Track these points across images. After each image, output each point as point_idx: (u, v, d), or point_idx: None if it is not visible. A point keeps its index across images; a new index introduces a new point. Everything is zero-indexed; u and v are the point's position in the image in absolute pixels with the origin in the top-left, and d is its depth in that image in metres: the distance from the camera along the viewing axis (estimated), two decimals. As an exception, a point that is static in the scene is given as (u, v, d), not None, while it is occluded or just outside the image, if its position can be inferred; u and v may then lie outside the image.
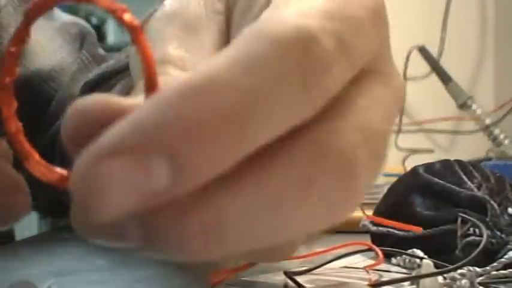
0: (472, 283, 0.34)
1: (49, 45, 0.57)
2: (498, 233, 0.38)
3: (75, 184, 0.17)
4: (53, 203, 0.59)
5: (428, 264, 0.34)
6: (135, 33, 0.19)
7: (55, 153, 0.54)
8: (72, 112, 0.19)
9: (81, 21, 0.61)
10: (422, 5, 1.24)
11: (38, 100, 0.55)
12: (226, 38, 0.26)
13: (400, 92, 0.23)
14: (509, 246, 0.37)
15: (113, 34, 1.94)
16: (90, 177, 0.16)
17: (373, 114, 0.20)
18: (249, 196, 0.18)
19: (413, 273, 0.35)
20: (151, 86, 0.19)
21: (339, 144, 0.19)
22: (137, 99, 0.19)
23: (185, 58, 0.24)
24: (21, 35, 0.20)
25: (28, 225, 0.74)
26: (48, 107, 0.55)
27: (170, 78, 0.22)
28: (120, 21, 0.19)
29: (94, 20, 1.80)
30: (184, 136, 0.16)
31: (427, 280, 0.32)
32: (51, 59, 0.56)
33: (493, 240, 0.38)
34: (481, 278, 0.34)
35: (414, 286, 0.33)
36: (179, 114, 0.16)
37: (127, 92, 0.52)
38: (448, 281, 0.34)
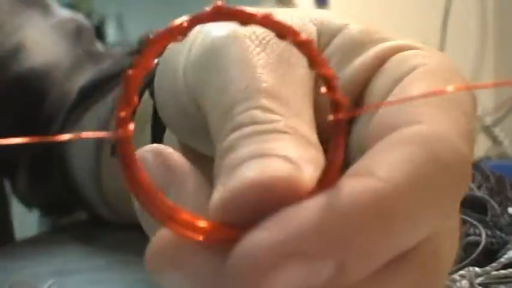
0: (471, 284, 0.34)
1: (44, 42, 0.56)
2: (498, 232, 0.38)
3: (238, 270, 0.17)
4: (54, 202, 0.59)
5: None
6: (336, 129, 0.18)
7: (52, 157, 0.54)
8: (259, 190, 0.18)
9: (79, 17, 0.61)
10: (422, 5, 1.24)
11: (32, 97, 0.55)
12: (312, 75, 0.24)
13: None
14: (509, 246, 0.37)
15: (113, 34, 1.94)
16: (260, 272, 0.17)
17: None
18: None
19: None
20: (328, 179, 0.18)
21: (441, 264, 0.21)
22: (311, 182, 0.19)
23: (278, 89, 0.22)
24: (144, 64, 0.18)
25: (28, 225, 0.74)
26: (42, 104, 0.55)
27: (259, 115, 0.21)
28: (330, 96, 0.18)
29: (94, 20, 1.80)
30: (354, 243, 0.17)
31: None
32: (46, 56, 0.56)
33: (493, 240, 0.38)
34: (480, 278, 0.34)
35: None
36: (359, 224, 0.17)
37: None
38: (447, 282, 0.34)
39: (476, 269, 0.34)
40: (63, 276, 0.39)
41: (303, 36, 0.18)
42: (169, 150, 0.21)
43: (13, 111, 0.55)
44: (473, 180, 0.44)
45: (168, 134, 0.31)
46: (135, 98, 0.18)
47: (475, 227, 0.38)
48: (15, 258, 0.46)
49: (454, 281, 0.34)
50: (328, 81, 0.18)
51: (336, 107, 0.18)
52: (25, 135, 0.18)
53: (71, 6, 1.62)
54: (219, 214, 0.18)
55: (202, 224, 0.18)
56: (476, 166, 0.46)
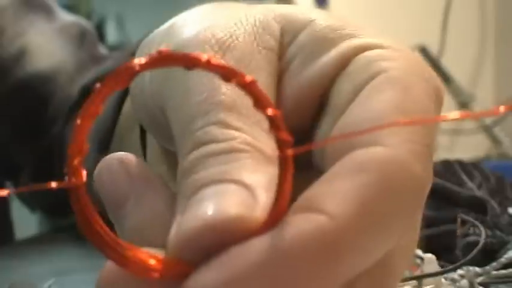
0: (471, 283, 0.34)
1: (48, 47, 0.57)
2: (498, 232, 0.38)
3: None
4: (54, 203, 0.59)
5: (430, 258, 0.34)
6: (284, 165, 0.18)
7: (54, 157, 0.54)
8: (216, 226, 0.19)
9: (82, 21, 0.61)
10: (422, 5, 1.24)
11: (36, 101, 0.55)
12: (275, 79, 0.24)
13: None
14: (509, 246, 0.37)
15: (113, 34, 1.94)
16: None
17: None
18: None
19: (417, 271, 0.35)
20: (276, 217, 0.19)
21: (391, 279, 0.21)
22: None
23: (237, 99, 0.22)
24: (93, 111, 0.18)
25: (28, 225, 0.74)
26: (46, 107, 0.55)
27: (217, 132, 0.21)
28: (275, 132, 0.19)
29: (94, 20, 1.80)
30: (297, 283, 0.18)
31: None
32: (50, 61, 0.56)
33: (493, 240, 0.38)
34: (480, 278, 0.34)
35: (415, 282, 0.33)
36: (302, 265, 0.18)
37: (124, 95, 0.52)
38: (448, 281, 0.34)
39: (476, 268, 0.34)
40: (63, 276, 0.39)
41: (248, 78, 0.18)
42: (132, 159, 0.22)
43: (17, 114, 0.55)
44: (473, 180, 0.44)
45: (148, 135, 0.31)
46: (85, 146, 0.18)
47: (475, 227, 0.38)
48: (16, 258, 0.46)
49: (455, 280, 0.34)
50: (272, 121, 0.18)
51: (281, 144, 0.18)
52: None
53: (71, 6, 1.62)
54: (174, 252, 0.19)
55: (154, 262, 0.19)
56: (476, 166, 0.46)
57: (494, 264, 0.35)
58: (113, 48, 0.65)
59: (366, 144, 0.20)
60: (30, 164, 0.55)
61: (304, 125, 0.24)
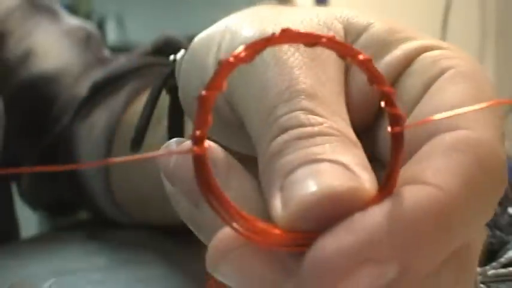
0: (475, 282, 0.34)
1: (55, 49, 0.57)
2: (498, 232, 0.39)
3: (314, 271, 0.18)
4: (58, 203, 0.59)
5: None
6: (395, 141, 0.19)
7: (57, 155, 0.54)
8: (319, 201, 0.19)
9: (88, 25, 0.62)
10: (422, 5, 1.24)
11: (42, 101, 0.56)
12: (343, 75, 0.25)
13: None
14: (509, 246, 0.37)
15: (113, 34, 1.94)
16: (335, 275, 0.18)
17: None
18: None
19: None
20: (386, 192, 0.19)
21: (474, 259, 0.22)
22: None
23: (316, 89, 0.22)
24: (218, 84, 0.19)
25: (28, 225, 0.74)
26: (51, 107, 0.56)
27: (302, 117, 0.21)
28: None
29: (94, 20, 1.80)
30: (419, 248, 0.19)
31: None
32: (56, 62, 0.57)
33: (493, 240, 0.38)
34: (480, 278, 0.34)
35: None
36: (422, 231, 0.18)
37: (135, 93, 0.52)
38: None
39: (476, 268, 0.34)
40: (63, 275, 0.40)
41: (363, 55, 0.19)
42: (213, 145, 0.22)
43: (23, 114, 0.56)
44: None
45: (189, 126, 0.32)
46: (209, 118, 0.19)
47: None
48: (16, 257, 0.46)
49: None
50: (387, 97, 0.19)
51: (394, 120, 0.19)
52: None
53: (71, 6, 1.62)
54: (287, 225, 0.19)
55: (275, 230, 0.19)
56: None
57: (494, 264, 0.35)
58: (113, 48, 0.65)
59: (450, 129, 0.21)
60: (32, 162, 0.56)
61: (367, 124, 0.25)
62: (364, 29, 0.26)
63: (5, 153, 0.52)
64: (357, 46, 0.25)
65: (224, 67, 0.19)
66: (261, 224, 0.19)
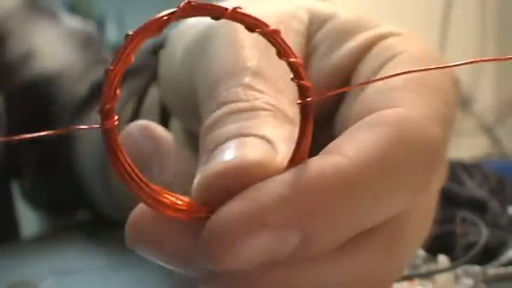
0: (476, 282, 0.34)
1: (55, 49, 0.58)
2: (498, 232, 0.39)
3: (211, 236, 0.19)
4: (58, 202, 0.59)
5: (444, 259, 0.35)
6: (304, 112, 0.20)
7: (59, 155, 0.54)
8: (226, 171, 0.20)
9: (88, 25, 0.62)
10: (422, 5, 1.24)
11: (42, 102, 0.56)
12: (305, 58, 0.26)
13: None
14: (509, 246, 0.37)
15: (113, 34, 1.94)
16: (230, 239, 0.18)
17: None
18: (344, 270, 0.20)
19: (423, 270, 0.35)
20: (299, 158, 0.20)
21: (406, 243, 0.22)
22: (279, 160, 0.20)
23: (263, 67, 0.23)
24: (124, 58, 0.19)
25: (28, 225, 0.74)
26: (51, 108, 0.56)
27: (241, 93, 0.22)
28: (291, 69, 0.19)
29: (94, 20, 1.80)
30: (318, 216, 0.19)
31: (443, 276, 0.33)
32: (56, 63, 0.57)
33: (493, 240, 0.38)
34: (481, 277, 0.34)
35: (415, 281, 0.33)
36: (322, 198, 0.19)
37: (134, 92, 0.52)
38: (450, 279, 0.34)
39: (477, 267, 0.34)
40: (63, 275, 0.40)
41: (271, 27, 0.19)
42: (154, 125, 0.23)
43: (23, 114, 0.56)
44: (473, 180, 0.44)
45: (173, 121, 0.33)
46: (117, 91, 0.19)
47: (475, 226, 0.38)
48: (16, 257, 0.46)
49: (458, 277, 0.34)
50: (295, 68, 0.19)
51: (303, 91, 0.19)
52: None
53: (71, 6, 1.62)
54: (199, 195, 0.20)
55: (182, 203, 0.20)
56: (477, 166, 0.46)
57: (494, 263, 0.35)
58: (113, 48, 0.66)
59: (389, 107, 0.21)
60: (32, 161, 0.56)
61: (329, 108, 0.26)
62: (329, 17, 0.27)
63: (5, 153, 0.52)
64: (320, 34, 0.27)
65: (130, 40, 0.19)
66: (171, 197, 0.20)
